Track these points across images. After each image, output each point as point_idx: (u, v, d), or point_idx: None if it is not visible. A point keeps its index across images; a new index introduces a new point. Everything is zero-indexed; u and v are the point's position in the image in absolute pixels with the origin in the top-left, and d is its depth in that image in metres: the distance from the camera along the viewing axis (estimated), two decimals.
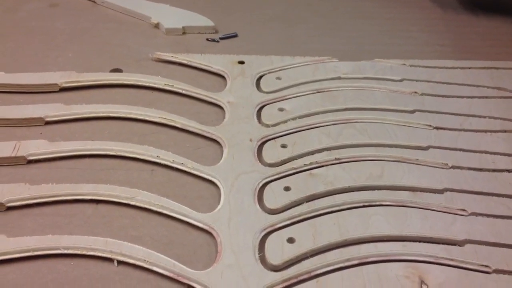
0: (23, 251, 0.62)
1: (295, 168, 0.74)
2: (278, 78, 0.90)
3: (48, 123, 0.80)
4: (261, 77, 0.90)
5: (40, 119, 0.79)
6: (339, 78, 0.90)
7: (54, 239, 0.63)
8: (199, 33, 1.03)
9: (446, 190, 0.71)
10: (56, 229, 0.65)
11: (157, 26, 1.04)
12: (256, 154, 0.76)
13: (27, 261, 0.62)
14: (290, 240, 0.64)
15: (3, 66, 0.90)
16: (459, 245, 0.65)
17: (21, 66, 0.91)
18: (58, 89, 0.86)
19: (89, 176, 0.72)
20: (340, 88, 0.88)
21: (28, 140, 0.75)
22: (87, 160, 0.75)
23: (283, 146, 0.77)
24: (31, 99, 0.84)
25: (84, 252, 0.62)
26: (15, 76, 0.86)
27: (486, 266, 0.62)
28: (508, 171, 0.74)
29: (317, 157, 0.75)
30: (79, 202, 0.69)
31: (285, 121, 0.81)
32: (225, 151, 0.76)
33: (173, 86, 0.87)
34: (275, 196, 0.70)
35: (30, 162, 0.74)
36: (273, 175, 0.73)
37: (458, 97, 0.87)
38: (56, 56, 0.95)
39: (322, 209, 0.69)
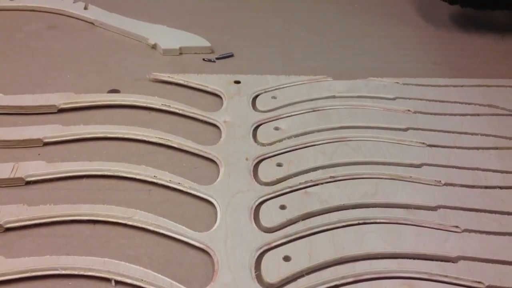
0: (21, 272, 0.62)
1: (290, 187, 0.75)
2: (274, 97, 0.91)
3: (46, 144, 0.80)
4: (257, 96, 0.92)
5: (39, 140, 0.80)
6: (334, 97, 0.91)
7: (52, 259, 0.63)
8: (196, 53, 1.05)
9: (440, 207, 0.72)
10: (54, 249, 0.66)
11: (154, 46, 1.06)
12: (252, 173, 0.77)
13: (25, 282, 0.62)
14: (286, 258, 0.65)
15: (2, 88, 0.91)
16: (452, 262, 0.66)
17: (19, 87, 0.92)
18: (56, 110, 0.87)
19: (86, 197, 0.73)
20: (335, 107, 0.89)
21: (26, 161, 0.76)
22: (84, 180, 0.75)
23: (279, 165, 0.78)
24: (30, 121, 0.85)
25: (82, 273, 0.63)
26: (13, 98, 0.87)
27: (479, 282, 0.63)
28: (500, 187, 0.75)
29: (312, 176, 0.76)
30: (77, 223, 0.69)
31: (281, 140, 0.82)
32: (222, 170, 0.77)
33: (170, 106, 0.88)
34: (271, 215, 0.71)
35: (28, 183, 0.74)
36: (269, 194, 0.74)
37: (450, 114, 0.88)
38: (54, 77, 0.96)
39: (318, 227, 0.69)
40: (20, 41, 1.06)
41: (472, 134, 0.84)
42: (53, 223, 0.69)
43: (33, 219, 0.68)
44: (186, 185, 0.75)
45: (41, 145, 0.80)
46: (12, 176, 0.74)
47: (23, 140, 0.80)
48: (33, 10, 1.16)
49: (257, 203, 0.73)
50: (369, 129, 0.85)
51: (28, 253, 0.65)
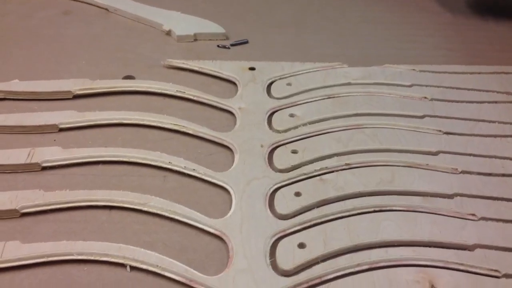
0: (38, 257, 0.63)
1: (305, 174, 0.75)
2: (289, 84, 0.90)
3: (62, 130, 0.81)
4: (271, 83, 0.91)
5: (54, 126, 0.80)
6: (349, 83, 0.90)
7: (68, 245, 0.64)
8: (210, 40, 1.04)
9: (456, 195, 0.72)
10: (70, 235, 0.66)
11: (168, 33, 1.05)
12: (267, 160, 0.77)
13: (42, 267, 0.63)
14: (301, 246, 0.65)
15: (18, 74, 0.91)
16: (469, 250, 0.65)
17: (35, 73, 0.92)
18: (71, 96, 0.87)
19: (102, 183, 0.73)
20: (350, 94, 0.88)
21: (42, 147, 0.77)
22: (100, 166, 0.76)
23: (294, 152, 0.78)
24: (46, 106, 0.85)
25: (98, 258, 0.63)
26: (29, 84, 0.88)
27: (495, 270, 0.63)
28: None
29: (328, 163, 0.76)
30: (93, 208, 0.70)
31: (296, 127, 0.82)
32: (236, 157, 0.77)
33: (184, 92, 0.88)
34: (286, 202, 0.70)
35: (44, 168, 0.75)
36: (284, 181, 0.74)
37: (467, 102, 0.87)
38: (69, 63, 0.96)
39: (333, 214, 0.69)
40: (34, 28, 1.07)
41: (489, 121, 0.83)
42: (69, 208, 0.69)
43: (50, 204, 0.69)
44: (201, 171, 0.75)
45: (57, 131, 0.81)
46: (28, 161, 0.74)
47: (39, 126, 0.80)
48: None
49: (272, 190, 0.73)
50: (385, 116, 0.84)
51: (44, 238, 0.66)
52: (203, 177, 0.74)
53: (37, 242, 0.64)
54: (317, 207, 0.70)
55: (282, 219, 0.69)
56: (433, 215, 0.69)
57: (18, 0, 1.15)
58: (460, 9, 1.16)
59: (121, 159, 0.76)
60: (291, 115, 0.84)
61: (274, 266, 0.64)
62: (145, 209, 0.69)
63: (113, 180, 0.74)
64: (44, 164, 0.74)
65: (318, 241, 0.65)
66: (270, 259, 0.64)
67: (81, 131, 0.81)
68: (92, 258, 0.63)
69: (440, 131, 0.81)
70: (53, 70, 0.94)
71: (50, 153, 0.75)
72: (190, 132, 0.81)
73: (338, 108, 0.85)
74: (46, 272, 0.62)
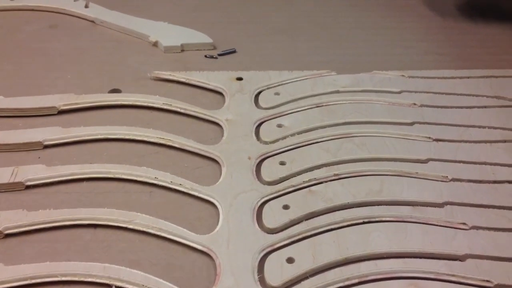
0: (21, 280, 0.61)
1: (294, 186, 0.74)
2: (277, 94, 0.89)
3: (46, 147, 0.80)
4: (259, 93, 0.90)
5: (39, 143, 0.79)
6: (338, 91, 0.89)
7: (51, 266, 0.62)
8: (198, 50, 1.03)
9: (446, 203, 0.70)
10: (54, 255, 0.65)
11: (155, 44, 1.04)
12: (254, 173, 0.76)
13: None
14: (290, 260, 0.64)
15: (2, 90, 0.90)
16: (460, 260, 0.64)
17: (20, 89, 0.90)
18: (56, 112, 0.86)
19: (87, 200, 0.72)
20: (339, 102, 0.87)
21: (26, 165, 0.75)
22: (85, 183, 0.74)
23: (282, 163, 0.77)
24: (30, 123, 0.84)
25: (82, 279, 0.62)
26: (14, 100, 0.86)
27: (487, 281, 0.62)
28: (509, 182, 0.74)
29: (316, 174, 0.75)
30: (77, 227, 0.68)
31: (284, 138, 0.81)
32: (224, 170, 0.76)
33: (171, 105, 0.87)
34: (274, 215, 0.69)
35: (28, 187, 0.73)
36: (272, 194, 0.73)
37: (457, 107, 0.86)
38: (55, 77, 0.95)
39: (322, 227, 0.68)
40: (21, 42, 1.06)
41: (479, 127, 0.82)
42: (53, 228, 0.68)
43: (33, 225, 0.68)
44: (187, 186, 0.74)
45: (41, 148, 0.80)
46: (11, 180, 0.73)
47: (23, 144, 0.79)
48: (34, 10, 1.15)
49: (260, 203, 0.71)
50: (374, 124, 0.83)
51: (27, 259, 0.64)
52: (190, 191, 0.73)
53: (20, 263, 0.63)
54: (306, 219, 0.69)
55: (270, 233, 0.68)
56: (423, 225, 0.68)
57: (4, 14, 1.14)
58: (450, 13, 1.16)
59: (106, 175, 0.75)
60: (279, 126, 0.83)
61: (262, 282, 0.62)
62: (131, 226, 0.68)
63: (98, 198, 0.72)
64: (28, 183, 0.73)
65: (307, 255, 0.64)
66: (258, 275, 0.63)
67: (66, 148, 0.80)
68: (76, 279, 0.62)
69: (429, 138, 0.80)
70: (38, 85, 0.92)
71: (34, 171, 0.74)
72: (177, 145, 0.80)
73: (327, 117, 0.84)
74: None
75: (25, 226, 0.67)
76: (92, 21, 1.12)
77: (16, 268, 0.62)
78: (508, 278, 0.62)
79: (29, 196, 0.73)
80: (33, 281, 0.61)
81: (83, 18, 1.13)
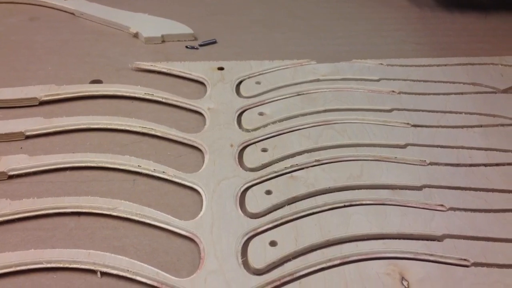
0: (6, 267, 0.61)
1: (276, 172, 0.75)
2: (258, 83, 0.90)
3: (28, 137, 0.80)
4: (240, 82, 0.91)
5: (20, 133, 0.79)
6: (318, 80, 0.91)
7: (36, 253, 0.63)
8: (179, 40, 1.04)
9: (425, 186, 0.72)
10: (38, 243, 0.65)
11: (136, 35, 1.05)
12: (237, 160, 0.77)
13: (10, 277, 0.61)
14: (273, 244, 0.65)
15: None
16: (438, 240, 0.66)
17: (0, 81, 0.91)
18: (38, 103, 0.86)
19: (70, 189, 0.72)
20: (319, 90, 0.89)
21: (8, 155, 0.75)
22: (68, 172, 0.75)
23: (264, 150, 0.78)
24: (12, 114, 0.84)
25: (67, 265, 0.62)
26: None
27: (465, 259, 0.63)
28: (485, 165, 0.76)
29: (298, 160, 0.76)
30: (61, 216, 0.69)
31: (265, 125, 0.82)
32: (206, 157, 0.77)
33: (153, 95, 0.87)
34: (256, 200, 0.70)
35: (11, 177, 0.74)
36: (254, 180, 0.74)
37: (434, 94, 0.88)
38: (36, 69, 0.95)
39: (304, 211, 0.69)
40: (1, 35, 1.05)
41: (456, 112, 0.84)
42: (37, 216, 0.68)
43: (17, 213, 0.68)
44: (170, 173, 0.74)
45: (23, 138, 0.80)
46: None
47: (5, 134, 0.79)
48: (14, 2, 1.15)
49: (242, 189, 0.72)
50: (354, 111, 0.84)
51: (12, 247, 0.65)
52: (173, 179, 0.74)
53: (5, 252, 0.63)
54: (288, 204, 0.70)
55: (253, 218, 0.69)
56: (402, 207, 0.69)
57: None
58: (426, 2, 1.18)
59: (89, 164, 0.75)
60: (261, 114, 0.84)
61: (246, 265, 0.63)
62: (115, 214, 0.68)
63: (82, 186, 0.73)
64: (11, 173, 0.73)
65: (290, 238, 0.65)
66: (242, 258, 0.64)
67: (48, 138, 0.80)
68: (61, 265, 0.62)
69: (408, 124, 0.82)
70: (19, 77, 0.92)
71: (17, 161, 0.74)
72: (159, 134, 0.81)
73: (307, 105, 0.85)
74: (14, 282, 0.61)
75: (9, 214, 0.68)
76: (72, 13, 1.12)
77: (1, 256, 0.63)
78: (484, 256, 0.64)
79: (12, 186, 0.73)
80: (18, 268, 0.62)
81: (63, 11, 1.13)
